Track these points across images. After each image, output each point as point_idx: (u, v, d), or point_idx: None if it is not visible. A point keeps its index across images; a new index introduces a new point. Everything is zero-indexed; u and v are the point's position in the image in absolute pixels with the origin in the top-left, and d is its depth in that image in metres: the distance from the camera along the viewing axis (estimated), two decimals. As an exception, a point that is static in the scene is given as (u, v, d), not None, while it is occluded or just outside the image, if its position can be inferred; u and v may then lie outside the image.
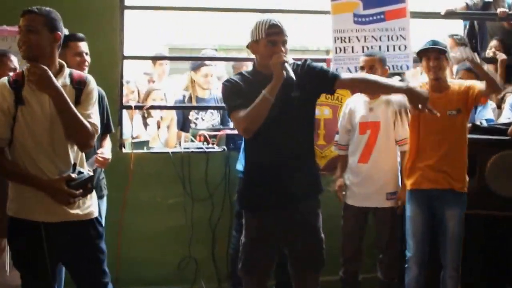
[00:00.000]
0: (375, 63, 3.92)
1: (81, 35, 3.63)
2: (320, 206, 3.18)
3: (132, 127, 4.68)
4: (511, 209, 3.88)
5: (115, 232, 4.20)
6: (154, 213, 4.52)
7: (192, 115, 5.14)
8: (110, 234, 3.02)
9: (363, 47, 4.62)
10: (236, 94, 2.98)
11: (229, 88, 3.04)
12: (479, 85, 3.62)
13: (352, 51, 4.64)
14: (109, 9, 4.46)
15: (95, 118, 2.82)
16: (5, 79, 2.74)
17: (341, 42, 4.65)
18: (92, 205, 2.88)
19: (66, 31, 4.02)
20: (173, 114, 5.16)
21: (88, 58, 3.65)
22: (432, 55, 3.67)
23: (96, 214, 2.90)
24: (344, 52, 4.61)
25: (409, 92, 2.95)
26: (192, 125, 5.09)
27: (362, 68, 3.97)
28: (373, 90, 3.57)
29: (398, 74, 4.89)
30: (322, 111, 4.46)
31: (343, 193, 4.05)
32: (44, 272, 2.73)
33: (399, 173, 3.96)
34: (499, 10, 5.25)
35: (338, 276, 4.06)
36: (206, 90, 5.23)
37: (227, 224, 4.50)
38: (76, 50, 3.58)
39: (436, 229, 3.76)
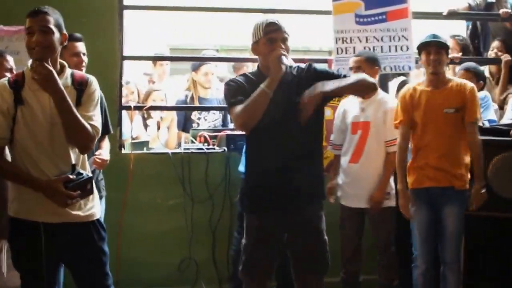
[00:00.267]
0: (361, 64, 3.93)
1: (78, 35, 3.59)
2: (323, 208, 3.17)
3: (131, 127, 4.67)
4: (513, 210, 3.88)
5: (115, 233, 4.18)
6: (154, 214, 4.51)
7: (195, 114, 5.15)
8: (110, 235, 3.00)
9: (364, 48, 4.60)
10: (238, 92, 2.98)
11: (232, 87, 3.04)
12: (473, 116, 3.64)
13: (354, 52, 4.62)
14: (108, 9, 4.45)
15: (97, 120, 2.80)
16: (5, 80, 2.73)
17: (343, 42, 4.64)
18: (94, 207, 2.87)
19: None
20: (173, 114, 5.15)
21: (85, 59, 3.63)
22: (433, 49, 3.66)
23: (98, 216, 2.89)
24: (346, 52, 4.60)
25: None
26: (195, 125, 5.10)
27: (350, 69, 3.99)
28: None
29: (403, 74, 4.88)
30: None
31: (338, 194, 4.06)
32: (42, 273, 2.72)
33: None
34: (501, 10, 5.23)
35: (339, 278, 4.05)
36: (208, 90, 5.22)
37: (227, 225, 4.49)
38: (73, 51, 3.55)
39: (436, 226, 3.75)
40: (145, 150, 4.65)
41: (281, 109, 2.93)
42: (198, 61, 5.41)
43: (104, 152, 3.64)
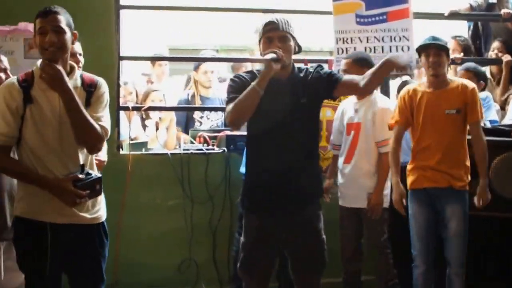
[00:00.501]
0: (348, 67, 3.91)
1: None
2: (321, 208, 3.17)
3: (130, 128, 4.64)
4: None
5: (114, 235, 4.12)
6: (153, 215, 4.49)
7: (197, 113, 5.17)
8: (109, 236, 2.99)
9: (365, 48, 4.59)
10: (238, 89, 2.97)
11: (234, 83, 3.06)
12: (475, 117, 3.62)
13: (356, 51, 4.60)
14: (104, 9, 4.44)
15: (106, 121, 2.81)
16: (14, 79, 2.72)
17: (343, 43, 4.62)
18: (100, 210, 2.87)
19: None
20: (172, 115, 5.13)
21: (81, 59, 3.62)
22: (432, 51, 3.65)
23: (103, 219, 2.89)
24: (346, 53, 4.58)
25: (389, 61, 3.00)
26: (197, 124, 5.10)
27: (343, 71, 3.97)
28: (369, 82, 3.22)
29: (407, 74, 4.86)
30: (324, 113, 4.43)
31: (339, 194, 4.07)
32: (47, 273, 2.71)
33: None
34: (503, 11, 5.23)
35: (340, 278, 4.05)
36: (209, 89, 5.21)
37: (227, 226, 4.48)
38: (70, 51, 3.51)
39: (439, 227, 3.74)
40: (143, 151, 4.63)
41: (284, 110, 2.94)
42: (197, 61, 5.41)
43: (102, 153, 3.61)
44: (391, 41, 4.60)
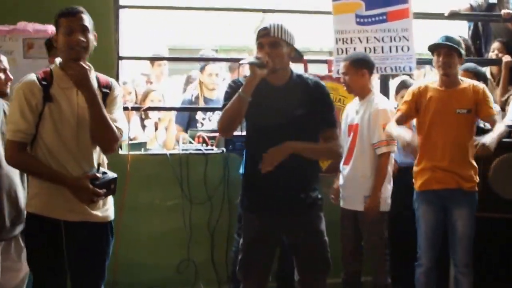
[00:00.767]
0: (346, 69, 3.91)
1: None
2: (322, 209, 3.17)
3: (129, 128, 4.63)
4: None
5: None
6: (152, 215, 4.49)
7: (199, 114, 5.16)
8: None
9: (365, 48, 4.58)
10: (231, 95, 2.98)
11: (230, 88, 3.06)
12: (488, 110, 3.62)
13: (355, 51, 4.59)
14: (103, 8, 4.42)
15: (121, 123, 2.86)
16: (33, 76, 2.73)
17: (343, 43, 4.60)
18: (110, 209, 2.91)
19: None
20: (171, 115, 5.12)
21: None
22: (443, 51, 3.65)
23: (112, 218, 2.93)
24: (346, 53, 4.56)
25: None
26: (199, 125, 5.10)
27: (342, 74, 3.98)
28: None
29: (408, 75, 4.85)
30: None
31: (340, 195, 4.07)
32: (61, 272, 2.75)
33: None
34: (503, 11, 5.21)
35: (340, 279, 4.04)
36: (213, 91, 5.21)
37: (226, 227, 4.47)
38: None
39: (446, 228, 3.75)
40: (142, 151, 4.62)
41: (279, 116, 2.95)
42: (196, 61, 5.41)
43: None
44: (391, 41, 4.59)
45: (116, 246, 4.09)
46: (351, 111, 4.02)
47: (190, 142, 4.61)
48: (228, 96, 3.01)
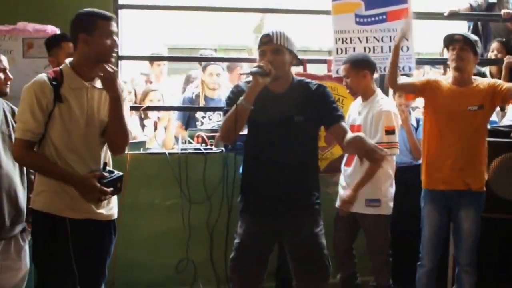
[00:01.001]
0: (347, 72, 3.88)
1: None
2: (319, 213, 3.16)
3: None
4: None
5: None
6: (151, 215, 4.49)
7: (200, 113, 5.16)
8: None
9: (364, 48, 4.58)
10: (234, 100, 2.98)
11: (232, 94, 3.07)
12: (508, 84, 3.60)
13: (354, 52, 4.58)
14: (102, 8, 4.33)
15: (129, 124, 2.94)
16: (44, 76, 2.76)
17: (342, 43, 4.60)
18: (114, 207, 2.96)
19: (57, 31, 4.01)
20: (170, 114, 5.12)
21: None
22: (458, 45, 3.64)
23: (116, 216, 2.97)
24: (346, 53, 4.57)
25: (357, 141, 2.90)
26: (198, 124, 5.09)
27: (343, 77, 3.96)
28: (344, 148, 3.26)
29: (406, 75, 4.84)
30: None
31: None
32: (69, 268, 2.77)
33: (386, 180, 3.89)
34: (503, 11, 5.21)
35: (336, 279, 4.04)
36: (214, 90, 5.22)
37: (225, 226, 4.45)
38: (68, 51, 3.51)
39: (451, 227, 3.75)
40: (142, 151, 4.61)
41: (278, 123, 2.97)
42: (195, 61, 5.41)
43: None
44: (390, 41, 4.58)
45: (115, 246, 4.12)
46: (353, 112, 4.00)
47: (190, 142, 4.60)
48: (230, 101, 3.02)
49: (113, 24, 2.81)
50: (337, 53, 4.58)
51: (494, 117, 4.48)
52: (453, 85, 3.69)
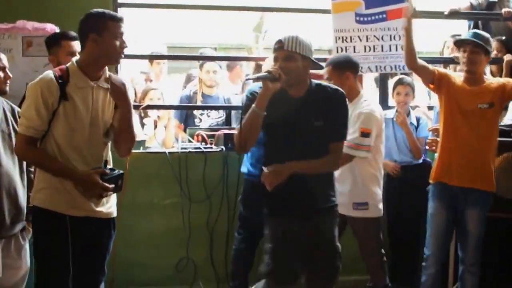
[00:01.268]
0: (329, 75, 3.79)
1: (73, 33, 3.50)
2: (337, 214, 3.19)
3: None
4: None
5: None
6: (151, 214, 4.49)
7: (198, 110, 5.14)
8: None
9: (365, 47, 4.58)
10: (249, 108, 2.95)
11: (248, 100, 3.04)
12: None
13: (354, 51, 4.61)
14: (102, 6, 4.33)
15: (135, 124, 2.99)
16: (51, 74, 2.77)
17: (343, 41, 4.61)
18: (113, 206, 2.97)
19: (57, 29, 4.00)
20: (170, 113, 5.11)
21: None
22: (469, 48, 3.63)
23: (115, 215, 2.99)
24: (346, 51, 4.57)
25: None
26: (197, 121, 5.08)
27: (326, 79, 3.87)
28: None
29: (406, 74, 4.84)
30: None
31: None
32: (67, 266, 2.77)
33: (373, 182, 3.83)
34: (503, 10, 5.20)
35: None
36: (212, 88, 5.21)
37: (225, 225, 4.47)
38: (69, 50, 3.50)
39: (456, 225, 3.73)
40: (141, 150, 4.61)
41: (296, 128, 2.97)
42: (195, 59, 5.40)
43: None
44: (390, 40, 4.59)
45: (115, 245, 4.09)
46: None
47: (189, 141, 4.59)
48: (246, 108, 2.98)
49: (122, 25, 2.82)
50: (337, 52, 4.58)
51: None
52: (464, 84, 3.69)
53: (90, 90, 2.80)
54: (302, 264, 3.15)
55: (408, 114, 4.61)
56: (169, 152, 4.49)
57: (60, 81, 2.74)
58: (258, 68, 5.03)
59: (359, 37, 4.60)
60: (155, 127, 5.11)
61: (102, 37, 2.75)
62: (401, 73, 4.90)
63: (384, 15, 4.61)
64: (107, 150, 2.93)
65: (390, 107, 4.81)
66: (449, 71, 3.90)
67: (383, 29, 4.60)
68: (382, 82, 5.06)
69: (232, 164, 4.43)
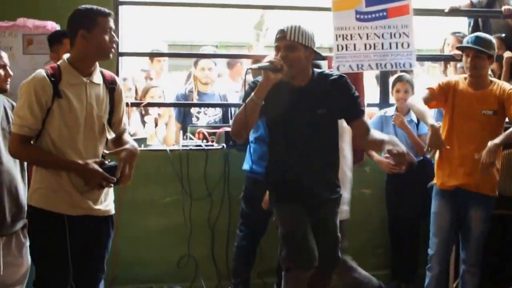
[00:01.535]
0: None
1: None
2: (338, 205, 3.22)
3: (129, 124, 4.62)
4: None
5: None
6: (152, 211, 4.48)
7: (194, 108, 5.14)
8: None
9: (365, 45, 4.56)
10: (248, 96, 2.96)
11: (250, 89, 3.02)
12: None
13: (354, 49, 4.59)
14: (102, 4, 4.34)
15: (127, 122, 3.02)
16: (43, 72, 2.76)
17: (343, 39, 4.59)
18: (111, 203, 2.97)
19: (57, 27, 4.00)
20: (171, 111, 5.11)
21: None
22: (471, 53, 3.61)
23: (113, 212, 2.98)
24: (346, 49, 4.56)
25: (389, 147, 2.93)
26: (194, 119, 5.07)
27: None
28: (367, 147, 3.47)
29: (405, 71, 4.84)
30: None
31: None
32: (65, 265, 2.76)
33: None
34: (503, 7, 5.20)
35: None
36: (207, 85, 5.21)
37: (226, 222, 4.47)
38: (69, 47, 3.50)
39: (459, 225, 3.72)
40: (143, 147, 4.61)
41: (300, 118, 2.97)
42: (195, 57, 5.40)
43: None
44: (391, 37, 4.57)
45: (116, 242, 4.10)
46: None
47: (191, 138, 4.60)
48: (246, 97, 2.97)
49: (111, 20, 2.82)
50: (338, 50, 4.57)
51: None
52: (469, 88, 3.66)
53: (83, 86, 2.79)
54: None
55: (408, 111, 4.62)
56: (170, 150, 4.49)
57: (52, 79, 2.72)
58: (255, 62, 5.02)
59: (359, 34, 4.58)
60: (156, 125, 5.12)
61: (91, 33, 2.75)
62: (401, 71, 4.90)
63: (385, 13, 4.59)
64: (103, 145, 2.92)
65: (391, 105, 4.81)
66: (451, 76, 3.86)
67: (383, 27, 4.58)
68: (382, 79, 5.06)
69: (233, 162, 4.43)
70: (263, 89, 2.86)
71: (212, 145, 4.52)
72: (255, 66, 3.06)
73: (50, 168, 2.76)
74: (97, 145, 2.86)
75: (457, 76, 3.96)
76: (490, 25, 5.63)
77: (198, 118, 5.11)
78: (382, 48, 4.59)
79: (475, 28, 5.67)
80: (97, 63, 2.86)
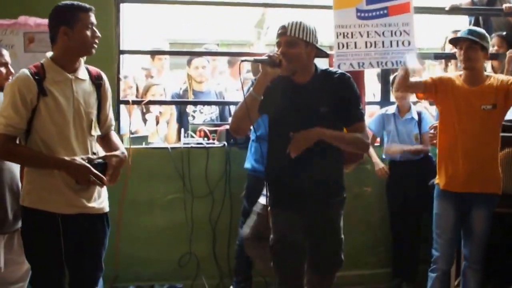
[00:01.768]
0: None
1: None
2: (342, 207, 3.16)
3: (130, 122, 4.63)
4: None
5: (114, 229, 4.09)
6: (153, 209, 4.50)
7: (190, 107, 5.15)
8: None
9: (366, 43, 4.56)
10: None
11: (251, 85, 3.04)
12: None
13: (355, 47, 4.58)
14: (104, 2, 4.40)
15: (113, 118, 3.02)
16: (27, 71, 2.74)
17: (344, 37, 4.59)
18: (105, 201, 2.96)
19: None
20: (172, 109, 5.12)
21: None
22: (464, 45, 3.57)
23: (107, 210, 2.97)
24: (347, 47, 4.56)
25: None
26: (190, 118, 5.06)
27: None
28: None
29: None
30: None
31: None
32: (59, 264, 2.77)
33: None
34: (504, 5, 5.20)
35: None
36: (202, 83, 5.21)
37: (227, 220, 4.48)
38: None
39: (462, 223, 3.70)
40: (144, 145, 4.62)
41: (302, 115, 2.93)
42: (196, 55, 5.40)
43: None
44: (391, 35, 4.57)
45: (117, 240, 4.14)
46: None
47: (192, 136, 4.60)
48: (247, 93, 2.94)
49: (93, 15, 2.78)
50: (338, 48, 4.57)
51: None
52: (465, 84, 3.62)
53: (68, 83, 2.77)
54: (306, 254, 3.14)
55: (409, 109, 4.62)
56: (171, 148, 4.50)
57: (36, 77, 2.71)
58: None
59: (360, 33, 4.58)
60: (157, 122, 5.13)
61: (73, 29, 2.73)
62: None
63: (386, 11, 4.59)
64: (94, 141, 2.90)
65: (392, 103, 4.81)
66: (449, 73, 3.84)
67: (384, 25, 4.58)
68: (383, 77, 5.07)
69: (234, 160, 4.44)
70: (261, 84, 2.85)
71: (213, 143, 4.53)
72: (251, 58, 3.05)
73: (37, 167, 2.75)
74: (88, 141, 2.85)
75: (452, 73, 3.94)
76: (491, 23, 5.64)
77: (194, 118, 5.11)
78: (383, 46, 4.59)
79: (475, 26, 5.68)
80: (81, 59, 2.84)
